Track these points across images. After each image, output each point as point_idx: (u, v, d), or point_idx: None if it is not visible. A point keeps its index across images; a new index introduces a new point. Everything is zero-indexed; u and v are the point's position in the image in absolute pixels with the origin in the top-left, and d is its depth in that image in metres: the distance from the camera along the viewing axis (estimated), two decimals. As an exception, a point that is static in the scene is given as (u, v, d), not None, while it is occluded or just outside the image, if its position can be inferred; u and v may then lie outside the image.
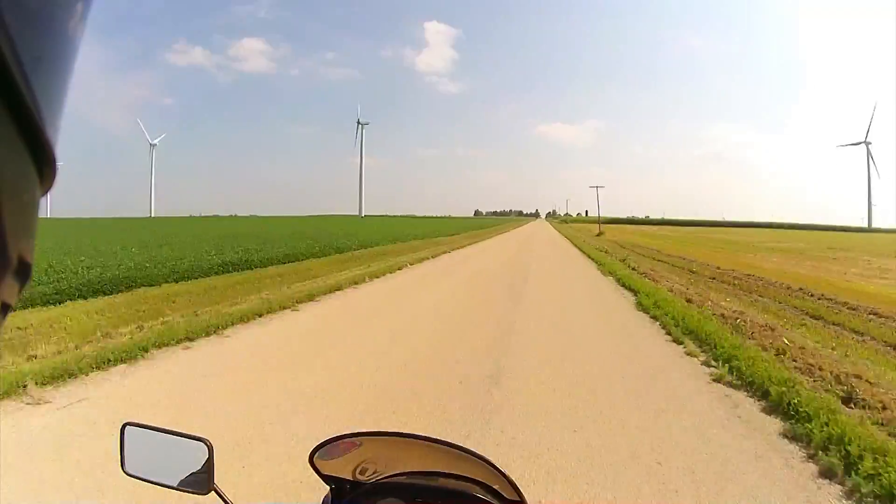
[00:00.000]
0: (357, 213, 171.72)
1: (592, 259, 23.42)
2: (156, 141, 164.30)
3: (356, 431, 1.31)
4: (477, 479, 1.27)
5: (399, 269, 17.80)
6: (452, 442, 1.24)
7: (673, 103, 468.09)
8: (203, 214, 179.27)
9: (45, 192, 0.29)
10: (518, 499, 1.24)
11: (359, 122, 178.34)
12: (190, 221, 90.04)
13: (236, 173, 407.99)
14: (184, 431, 1.28)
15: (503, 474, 1.21)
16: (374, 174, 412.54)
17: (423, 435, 1.27)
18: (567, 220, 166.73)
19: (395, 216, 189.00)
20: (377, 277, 15.37)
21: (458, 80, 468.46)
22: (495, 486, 1.25)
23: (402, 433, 1.30)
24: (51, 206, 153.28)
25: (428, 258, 22.28)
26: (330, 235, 33.99)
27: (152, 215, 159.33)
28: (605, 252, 26.58)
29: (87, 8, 0.29)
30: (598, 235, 48.35)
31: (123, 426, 1.32)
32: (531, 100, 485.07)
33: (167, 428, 1.30)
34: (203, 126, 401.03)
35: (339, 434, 1.30)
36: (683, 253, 26.95)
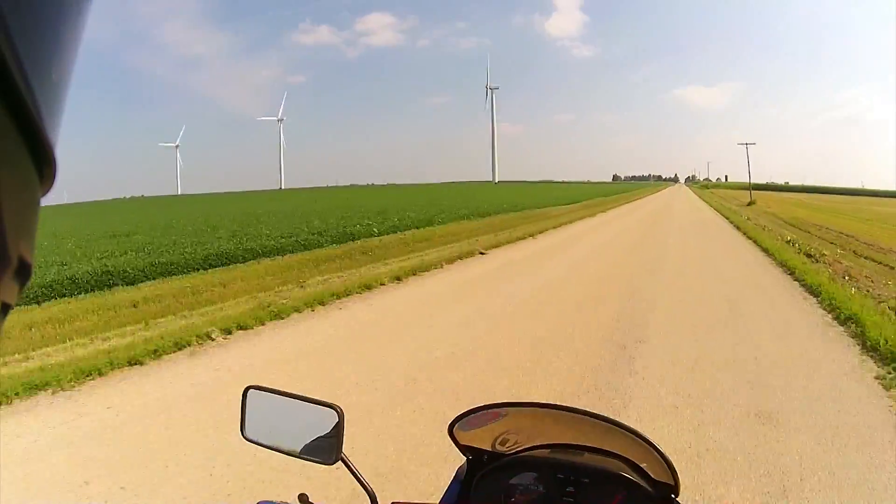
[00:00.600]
0: (490, 180, 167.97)
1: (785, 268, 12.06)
2: (283, 116, 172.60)
3: (500, 402, 1.26)
4: (624, 455, 1.22)
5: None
6: (604, 414, 1.18)
7: (807, 64, 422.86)
8: (339, 185, 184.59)
9: (45, 192, 0.29)
10: (670, 480, 1.16)
11: (488, 87, 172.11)
12: (324, 192, 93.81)
13: (369, 144, 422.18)
14: (311, 396, 1.26)
15: (659, 452, 1.13)
16: (509, 141, 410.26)
17: (572, 406, 1.21)
18: (707, 185, 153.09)
19: (531, 182, 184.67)
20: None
21: (591, 43, 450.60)
22: (643, 465, 1.19)
23: (548, 404, 1.26)
24: (181, 184, 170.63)
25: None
26: (466, 203, 36.16)
27: (282, 188, 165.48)
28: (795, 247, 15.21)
29: (88, 8, 0.29)
30: (748, 205, 39.19)
31: (246, 389, 1.31)
32: (665, 62, 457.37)
33: (293, 392, 1.28)
34: (335, 101, 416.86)
35: (481, 404, 1.25)
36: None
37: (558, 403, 1.24)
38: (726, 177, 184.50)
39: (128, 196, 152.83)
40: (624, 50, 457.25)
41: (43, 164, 0.27)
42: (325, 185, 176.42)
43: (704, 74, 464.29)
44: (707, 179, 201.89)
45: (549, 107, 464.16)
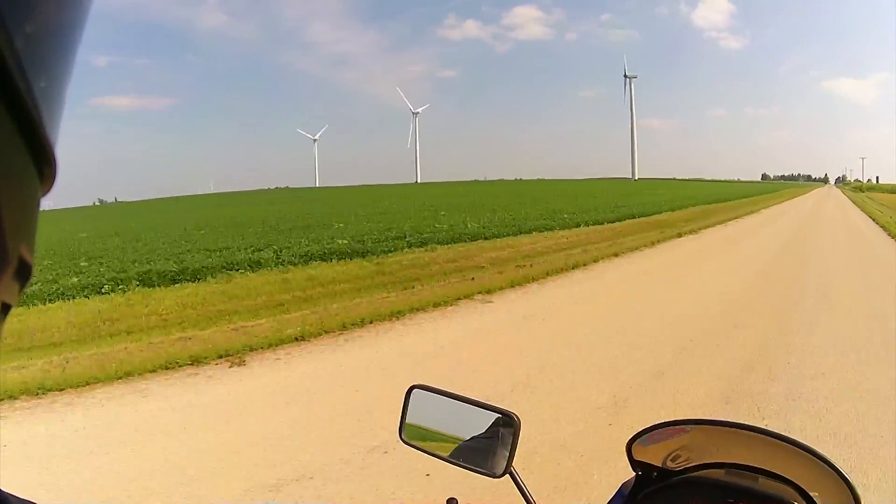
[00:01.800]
0: (629, 177, 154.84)
1: None
2: (419, 109, 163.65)
3: (685, 419, 1.18)
4: (798, 483, 1.11)
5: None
6: (791, 437, 1.06)
7: None
8: (487, 178, 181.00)
9: (45, 193, 0.29)
10: None
11: (626, 76, 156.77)
12: (459, 186, 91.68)
13: (518, 139, 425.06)
14: (483, 401, 1.18)
15: (844, 479, 1.01)
16: (658, 136, 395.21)
17: (759, 426, 1.13)
18: (860, 187, 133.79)
19: (679, 180, 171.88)
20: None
21: (738, 33, 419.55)
22: (814, 494, 1.09)
23: (736, 423, 1.15)
24: (319, 177, 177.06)
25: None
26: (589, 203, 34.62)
27: (418, 181, 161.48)
28: None
29: (88, 8, 0.29)
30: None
31: (410, 389, 1.25)
32: (814, 52, 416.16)
33: (464, 395, 1.20)
34: (484, 95, 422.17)
35: (665, 420, 1.17)
36: None
37: (742, 422, 1.15)
38: (877, 178, 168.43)
39: (272, 187, 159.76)
40: (772, 40, 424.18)
41: (43, 164, 0.27)
42: (467, 179, 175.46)
43: (854, 65, 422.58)
44: (858, 180, 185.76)
45: (698, 101, 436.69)
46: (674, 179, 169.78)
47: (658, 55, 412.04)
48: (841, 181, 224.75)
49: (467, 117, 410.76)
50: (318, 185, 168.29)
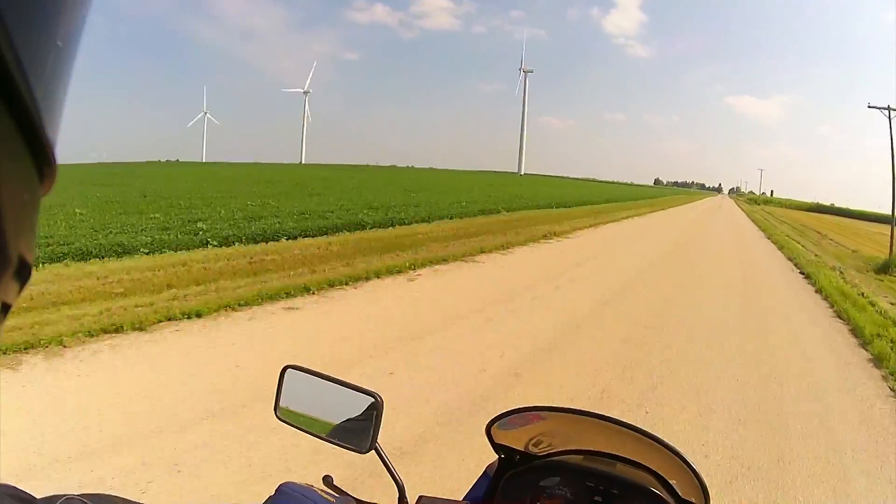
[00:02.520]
0: (516, 171, 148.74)
1: None
2: (309, 89, 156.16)
3: (540, 405, 1.19)
4: (656, 470, 1.17)
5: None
6: (641, 427, 1.11)
7: (864, 84, 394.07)
8: (365, 163, 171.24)
9: (45, 193, 0.28)
10: (700, 501, 1.11)
11: (521, 70, 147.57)
12: (343, 170, 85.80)
13: (417, 126, 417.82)
14: (351, 382, 1.16)
15: (693, 470, 1.08)
16: (557, 134, 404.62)
17: (613, 417, 1.15)
18: (756, 199, 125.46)
19: (569, 178, 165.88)
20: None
21: (647, 43, 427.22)
22: (672, 481, 1.14)
23: (588, 412, 1.17)
24: (206, 152, 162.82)
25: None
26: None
27: (302, 162, 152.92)
28: None
29: (88, 7, 0.28)
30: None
31: (284, 368, 1.23)
32: (721, 69, 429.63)
33: (333, 376, 1.19)
34: (386, 81, 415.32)
35: (521, 406, 1.19)
36: None
37: (598, 412, 1.18)
38: (772, 192, 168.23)
39: (163, 159, 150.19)
40: (680, 53, 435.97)
41: (43, 164, 0.27)
42: (359, 163, 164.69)
43: (759, 84, 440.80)
44: (752, 192, 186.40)
45: (599, 104, 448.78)
46: (563, 178, 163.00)
47: (564, 56, 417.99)
48: (735, 192, 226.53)
49: (366, 102, 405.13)
50: (204, 159, 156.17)
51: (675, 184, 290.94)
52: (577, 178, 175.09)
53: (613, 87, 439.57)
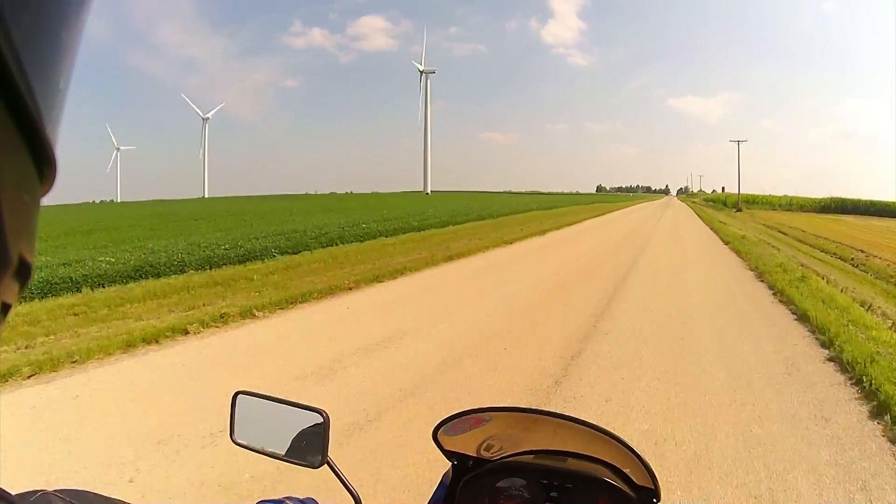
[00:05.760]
0: (422, 190, 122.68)
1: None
2: (209, 115, 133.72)
3: (483, 407, 1.18)
4: (607, 461, 1.17)
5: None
6: (587, 420, 1.12)
7: (803, 76, 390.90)
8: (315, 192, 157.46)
9: (45, 193, 0.28)
10: (650, 485, 1.11)
11: (421, 72, 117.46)
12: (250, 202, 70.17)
13: (354, 151, 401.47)
14: (298, 401, 1.16)
15: (639, 458, 1.08)
16: (502, 149, 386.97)
17: (556, 412, 1.17)
18: (724, 199, 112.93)
19: (483, 192, 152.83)
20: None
21: (587, 51, 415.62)
22: (626, 470, 1.14)
23: (532, 409, 1.20)
24: (121, 190, 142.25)
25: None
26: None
27: (205, 196, 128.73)
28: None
29: (88, 8, 0.28)
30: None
31: (235, 395, 1.22)
32: (662, 71, 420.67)
33: (281, 397, 1.19)
34: (326, 106, 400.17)
35: (464, 409, 1.18)
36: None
37: (542, 409, 1.20)
38: (723, 188, 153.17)
39: (97, 200, 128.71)
40: (620, 58, 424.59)
41: (43, 165, 0.27)
42: (264, 194, 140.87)
43: (701, 84, 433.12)
44: (701, 191, 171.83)
45: (540, 115, 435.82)
46: (472, 192, 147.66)
47: (506, 71, 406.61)
48: (683, 192, 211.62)
49: (304, 129, 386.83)
50: (119, 199, 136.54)
51: (619, 189, 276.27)
52: (486, 192, 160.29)
53: (555, 97, 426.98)
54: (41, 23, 0.24)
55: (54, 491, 0.63)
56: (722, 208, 59.31)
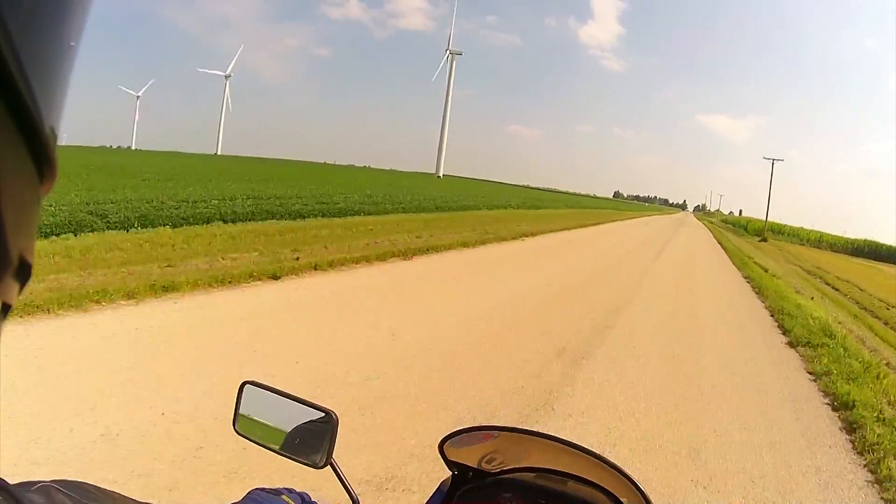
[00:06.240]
0: (433, 172, 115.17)
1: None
2: (231, 72, 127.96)
3: (494, 425, 1.25)
4: (608, 489, 1.16)
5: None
6: (592, 450, 1.09)
7: (835, 111, 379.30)
8: (329, 161, 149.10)
9: (45, 193, 0.28)
10: None
11: (449, 52, 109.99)
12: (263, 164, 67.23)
13: (377, 126, 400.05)
14: (308, 399, 1.14)
15: (640, 490, 1.07)
16: (526, 144, 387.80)
17: (564, 438, 1.13)
18: (729, 219, 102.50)
19: (541, 189, 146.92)
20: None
21: (622, 56, 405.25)
22: (624, 500, 1.13)
23: (540, 433, 1.16)
24: (136, 138, 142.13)
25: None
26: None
27: (218, 153, 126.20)
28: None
29: (88, 8, 0.28)
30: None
31: (242, 384, 1.20)
32: (694, 86, 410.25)
33: (290, 393, 1.17)
34: (355, 80, 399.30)
35: (475, 425, 1.17)
36: None
37: (549, 433, 1.17)
38: (741, 211, 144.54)
39: (97, 144, 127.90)
40: (654, 67, 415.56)
41: (43, 164, 0.26)
42: (276, 157, 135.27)
43: (732, 104, 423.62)
44: (718, 211, 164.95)
45: (570, 116, 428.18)
46: (486, 181, 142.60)
47: (537, 66, 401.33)
48: (700, 210, 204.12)
49: (332, 98, 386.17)
50: (133, 146, 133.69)
51: (637, 198, 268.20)
52: (501, 183, 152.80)
53: (585, 98, 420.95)
54: (41, 22, 0.24)
55: (52, 481, 0.62)
56: (743, 234, 52.10)
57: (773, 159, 42.43)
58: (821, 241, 52.73)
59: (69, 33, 0.27)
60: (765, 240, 43.66)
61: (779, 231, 54.92)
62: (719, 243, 31.97)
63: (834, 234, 54.56)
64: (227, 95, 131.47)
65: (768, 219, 48.56)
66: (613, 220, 35.94)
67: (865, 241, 42.42)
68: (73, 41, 0.27)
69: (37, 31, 0.24)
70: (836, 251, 46.68)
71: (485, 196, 36.97)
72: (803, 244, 49.84)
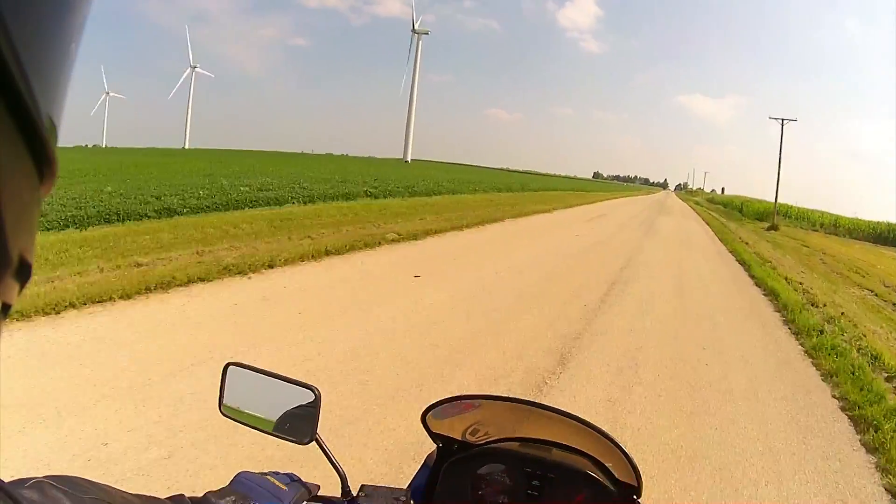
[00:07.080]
0: (401, 157, 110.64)
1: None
2: (197, 65, 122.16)
3: (474, 394, 1.22)
4: (592, 454, 1.17)
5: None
6: (575, 414, 1.12)
7: (815, 90, 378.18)
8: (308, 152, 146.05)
9: (45, 193, 0.28)
10: (634, 482, 1.11)
11: (414, 31, 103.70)
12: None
13: (356, 113, 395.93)
14: (290, 376, 1.16)
15: (624, 453, 1.09)
16: (505, 127, 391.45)
17: (545, 404, 1.16)
18: (714, 197, 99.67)
19: (462, 165, 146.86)
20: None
21: (601, 39, 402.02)
22: (609, 465, 1.15)
23: (522, 399, 1.20)
24: (107, 137, 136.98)
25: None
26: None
27: (186, 146, 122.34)
28: None
29: (88, 7, 0.28)
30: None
31: (226, 366, 1.21)
32: (674, 67, 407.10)
33: (273, 371, 1.18)
34: (332, 68, 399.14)
35: (455, 395, 1.19)
36: None
37: (532, 400, 1.21)
38: (723, 189, 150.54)
39: (90, 144, 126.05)
40: (634, 49, 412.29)
41: (43, 164, 0.26)
42: (247, 149, 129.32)
43: (712, 84, 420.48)
44: (700, 189, 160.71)
45: (548, 98, 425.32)
46: (453, 164, 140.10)
47: (515, 49, 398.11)
48: (681, 188, 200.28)
49: (307, 89, 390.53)
50: (105, 144, 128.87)
51: (617, 178, 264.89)
52: (470, 165, 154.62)
53: (564, 81, 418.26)
54: (41, 23, 0.24)
55: (45, 477, 0.63)
56: (739, 218, 42.84)
57: (784, 119, 33.85)
58: (837, 226, 43.13)
59: (69, 33, 0.26)
60: (775, 227, 33.48)
61: (785, 214, 43.46)
62: (720, 240, 21.83)
63: (850, 216, 44.83)
64: (193, 87, 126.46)
65: (755, 198, 41.00)
66: (553, 209, 27.03)
67: (888, 225, 35.74)
68: (73, 41, 0.26)
69: (37, 31, 0.24)
70: (855, 238, 38.31)
71: (450, 182, 35.44)
72: (816, 230, 40.94)
